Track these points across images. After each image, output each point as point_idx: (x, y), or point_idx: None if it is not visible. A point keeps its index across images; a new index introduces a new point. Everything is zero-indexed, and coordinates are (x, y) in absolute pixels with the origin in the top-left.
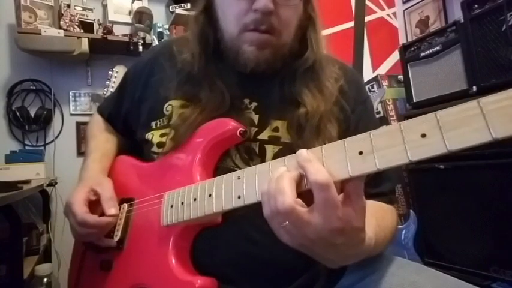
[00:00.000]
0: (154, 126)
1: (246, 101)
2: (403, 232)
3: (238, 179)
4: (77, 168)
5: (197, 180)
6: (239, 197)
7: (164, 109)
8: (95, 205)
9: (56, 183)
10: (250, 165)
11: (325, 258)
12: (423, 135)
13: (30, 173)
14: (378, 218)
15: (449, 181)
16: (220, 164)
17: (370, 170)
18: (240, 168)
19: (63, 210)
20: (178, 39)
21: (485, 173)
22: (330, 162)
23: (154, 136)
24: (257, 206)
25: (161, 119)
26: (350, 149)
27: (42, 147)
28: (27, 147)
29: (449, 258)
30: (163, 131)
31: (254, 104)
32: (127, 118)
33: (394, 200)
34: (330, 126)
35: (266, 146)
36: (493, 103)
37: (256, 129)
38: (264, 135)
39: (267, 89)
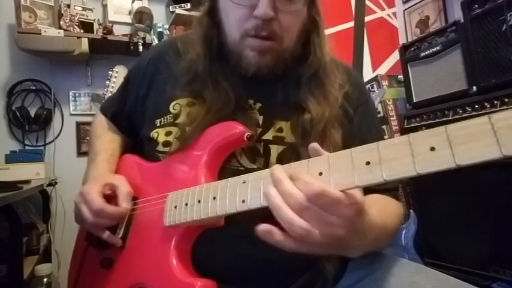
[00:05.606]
0: (158, 124)
1: (250, 101)
2: (403, 232)
3: (243, 183)
4: (77, 168)
5: (202, 182)
6: (243, 201)
7: (171, 107)
8: (107, 199)
9: (56, 183)
10: (255, 165)
11: (348, 245)
12: (432, 149)
13: (30, 173)
14: (374, 202)
15: (449, 181)
16: (225, 164)
17: (377, 180)
18: (245, 168)
19: (74, 199)
20: (182, 37)
21: (485, 173)
22: (336, 171)
23: (160, 135)
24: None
25: (165, 117)
26: (357, 159)
27: (42, 147)
28: (27, 147)
29: (449, 258)
30: (168, 129)
31: (258, 104)
32: (131, 117)
33: (398, 196)
34: (334, 131)
35: (271, 146)
36: (505, 120)
37: (260, 129)
38: (269, 136)
39: (270, 91)
